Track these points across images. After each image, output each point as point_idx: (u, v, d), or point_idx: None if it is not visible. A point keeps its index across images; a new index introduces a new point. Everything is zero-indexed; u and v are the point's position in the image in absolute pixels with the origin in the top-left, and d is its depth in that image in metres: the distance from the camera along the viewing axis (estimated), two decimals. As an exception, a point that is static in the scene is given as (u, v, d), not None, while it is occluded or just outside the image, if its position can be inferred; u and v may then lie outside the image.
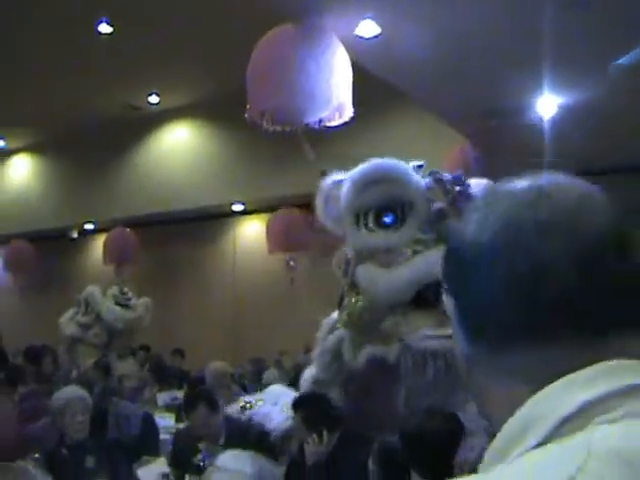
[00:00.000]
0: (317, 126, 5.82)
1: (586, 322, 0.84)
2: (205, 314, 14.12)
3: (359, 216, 3.77)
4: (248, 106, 5.71)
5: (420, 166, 4.03)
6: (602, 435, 0.74)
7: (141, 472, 4.31)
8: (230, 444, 5.13)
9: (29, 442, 5.34)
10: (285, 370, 11.47)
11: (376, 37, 6.34)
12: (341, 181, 3.91)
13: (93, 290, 10.52)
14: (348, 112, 5.83)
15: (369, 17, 6.05)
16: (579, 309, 0.83)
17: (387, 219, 3.73)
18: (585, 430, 0.76)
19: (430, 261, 3.44)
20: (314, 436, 4.64)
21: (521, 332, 0.85)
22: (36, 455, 4.22)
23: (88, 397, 5.14)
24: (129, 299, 10.44)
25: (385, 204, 3.73)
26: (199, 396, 5.47)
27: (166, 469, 4.43)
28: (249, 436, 5.32)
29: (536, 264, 0.84)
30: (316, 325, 13.40)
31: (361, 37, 6.32)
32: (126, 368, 8.81)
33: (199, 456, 4.02)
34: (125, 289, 10.56)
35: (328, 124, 5.86)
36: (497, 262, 0.87)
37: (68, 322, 10.73)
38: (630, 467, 0.70)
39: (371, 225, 3.75)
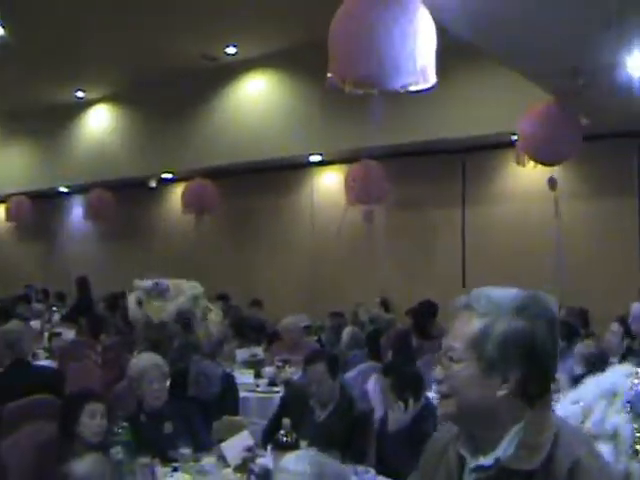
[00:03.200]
0: (401, 92, 5.70)
1: None
2: (282, 265, 14.21)
3: None
4: (329, 73, 5.61)
5: None
6: None
7: (224, 446, 4.33)
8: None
9: (113, 402, 5.48)
10: (361, 322, 11.50)
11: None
12: None
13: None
14: (432, 76, 5.67)
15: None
16: None
17: None
18: None
19: None
20: (399, 403, 4.63)
21: None
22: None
23: (164, 364, 5.12)
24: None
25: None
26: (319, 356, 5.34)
27: (250, 442, 4.44)
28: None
29: None
30: (392, 277, 13.32)
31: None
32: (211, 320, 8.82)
33: (282, 431, 4.00)
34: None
35: (412, 89, 5.73)
36: None
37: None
38: None
39: None
